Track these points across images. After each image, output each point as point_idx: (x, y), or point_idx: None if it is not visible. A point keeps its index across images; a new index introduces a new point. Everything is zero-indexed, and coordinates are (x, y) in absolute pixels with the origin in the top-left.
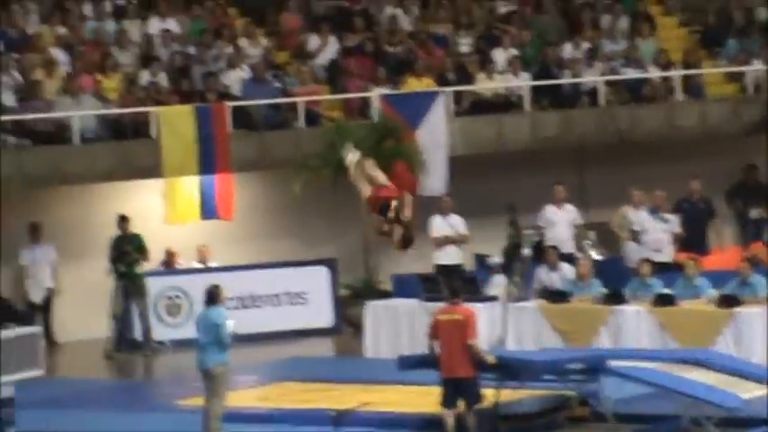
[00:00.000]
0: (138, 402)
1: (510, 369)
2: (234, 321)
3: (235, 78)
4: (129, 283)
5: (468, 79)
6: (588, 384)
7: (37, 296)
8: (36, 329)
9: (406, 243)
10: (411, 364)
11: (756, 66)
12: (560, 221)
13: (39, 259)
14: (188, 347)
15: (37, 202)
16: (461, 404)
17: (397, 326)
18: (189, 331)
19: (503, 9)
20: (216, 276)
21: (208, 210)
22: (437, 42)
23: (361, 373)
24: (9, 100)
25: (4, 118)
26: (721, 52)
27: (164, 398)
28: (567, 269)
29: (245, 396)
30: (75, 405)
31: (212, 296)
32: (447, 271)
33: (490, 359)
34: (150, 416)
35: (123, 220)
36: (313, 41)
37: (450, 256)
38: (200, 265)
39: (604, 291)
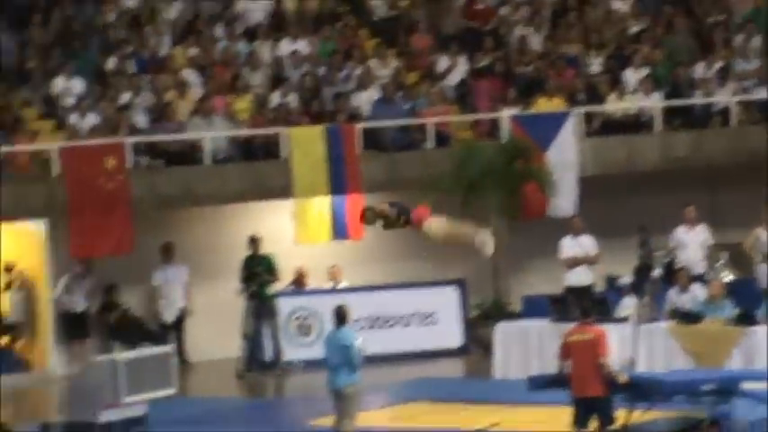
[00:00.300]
0: (268, 422)
1: (641, 389)
2: (362, 341)
3: (365, 99)
4: (259, 304)
5: (599, 99)
6: (720, 406)
7: (169, 316)
8: (168, 349)
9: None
10: (541, 385)
11: None
12: (691, 242)
13: (171, 279)
14: (318, 367)
15: (169, 222)
16: (593, 425)
17: (526, 347)
18: (319, 351)
19: (634, 28)
20: (346, 297)
21: (338, 230)
22: (567, 62)
23: (490, 394)
24: (142, 121)
25: (137, 139)
26: None
27: (294, 418)
28: (698, 290)
29: (375, 416)
30: (206, 424)
31: (340, 316)
32: (577, 292)
33: (622, 378)
34: None
35: (254, 240)
36: (443, 62)
37: (580, 276)
38: (330, 286)
39: (736, 312)
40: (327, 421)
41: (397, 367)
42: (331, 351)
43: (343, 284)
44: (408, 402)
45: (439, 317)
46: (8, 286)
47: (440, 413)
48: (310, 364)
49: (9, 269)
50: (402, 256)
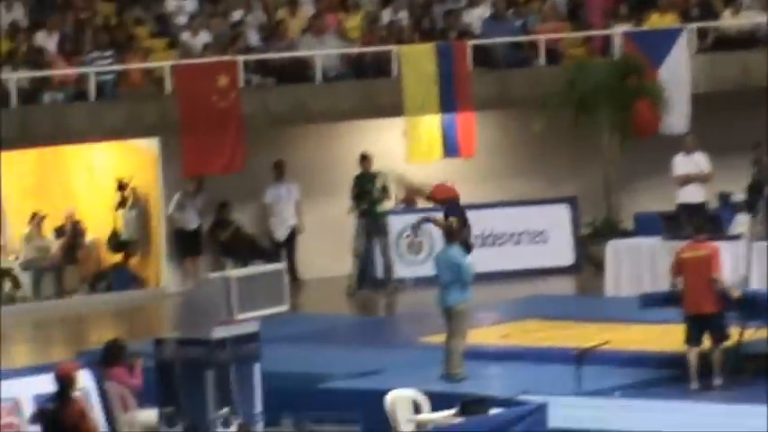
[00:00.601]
0: (379, 339)
1: (754, 307)
2: (471, 258)
3: (476, 16)
4: (371, 222)
5: (713, 15)
6: None
7: (281, 234)
8: (280, 266)
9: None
10: (653, 302)
11: None
12: None
13: (282, 197)
14: (429, 285)
15: (280, 140)
16: (706, 341)
17: (638, 264)
18: (430, 269)
19: None
20: None
21: (450, 148)
22: None
23: (601, 312)
24: (254, 39)
25: (249, 57)
26: None
27: (405, 335)
28: None
29: (486, 334)
30: (317, 341)
31: (450, 234)
32: (690, 209)
33: (736, 293)
34: (391, 352)
35: (365, 158)
36: None
37: (693, 194)
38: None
39: None
40: (437, 339)
41: (508, 285)
42: (441, 269)
43: None
44: (519, 320)
45: (550, 235)
46: (122, 204)
47: (551, 331)
48: (421, 282)
49: (123, 187)
50: (513, 173)
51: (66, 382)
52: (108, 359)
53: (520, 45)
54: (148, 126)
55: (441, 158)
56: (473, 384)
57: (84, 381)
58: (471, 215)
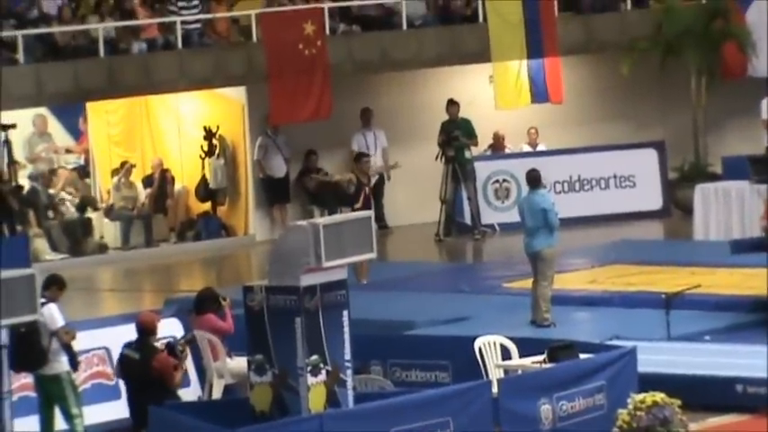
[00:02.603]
0: (466, 285)
1: None
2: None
3: None
4: (457, 168)
5: None
6: None
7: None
8: (368, 213)
9: None
10: (744, 248)
11: None
12: None
13: (370, 144)
14: (516, 231)
15: (367, 87)
16: None
17: (727, 208)
18: (517, 215)
19: None
20: (544, 160)
21: (538, 93)
22: None
23: (690, 256)
24: None
25: (336, 4)
26: None
27: (491, 280)
28: None
29: (574, 279)
30: (405, 287)
31: (534, 180)
32: None
33: None
34: (478, 298)
35: (452, 104)
36: None
37: None
38: (528, 149)
39: None
40: (522, 284)
41: (595, 230)
42: (527, 214)
43: (540, 147)
44: (607, 265)
45: (638, 179)
46: (209, 153)
47: (640, 275)
48: (507, 227)
49: (210, 136)
50: (600, 118)
51: (146, 331)
52: (199, 308)
53: None
54: (235, 75)
55: (529, 104)
56: (561, 330)
57: (173, 329)
58: (559, 160)
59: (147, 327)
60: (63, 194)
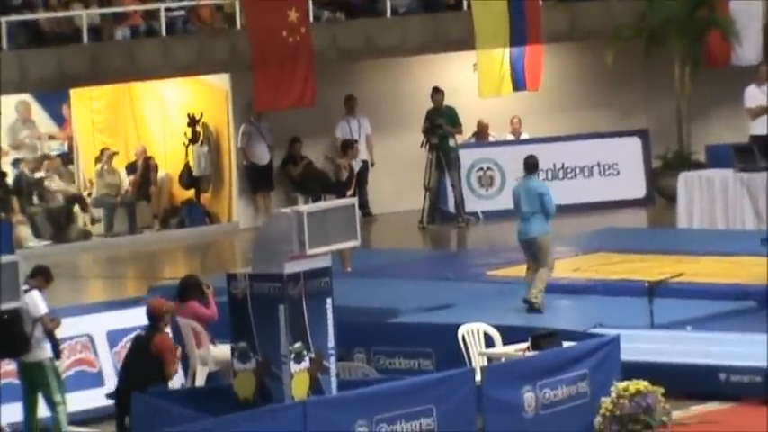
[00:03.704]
0: (449, 272)
1: None
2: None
3: None
4: (441, 156)
5: None
6: None
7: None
8: (351, 201)
9: None
10: None
11: None
12: None
13: (354, 131)
14: (500, 218)
15: (351, 74)
16: None
17: (710, 197)
18: (501, 203)
19: None
20: (528, 148)
21: (518, 81)
22: None
23: (674, 245)
24: None
25: None
26: None
27: (475, 268)
28: None
29: (558, 267)
30: (389, 275)
31: (531, 165)
32: (763, 141)
33: None
34: (462, 286)
35: (437, 92)
36: None
37: (765, 126)
38: (512, 137)
39: None
40: (507, 272)
41: (579, 218)
42: (523, 200)
43: (524, 136)
44: (591, 253)
45: (621, 167)
46: (193, 140)
47: (623, 263)
48: (491, 215)
49: (194, 123)
50: (584, 106)
51: (154, 316)
52: (183, 295)
53: None
54: (219, 62)
55: (511, 92)
56: (545, 318)
57: None
58: (542, 148)
59: (155, 312)
60: (47, 182)
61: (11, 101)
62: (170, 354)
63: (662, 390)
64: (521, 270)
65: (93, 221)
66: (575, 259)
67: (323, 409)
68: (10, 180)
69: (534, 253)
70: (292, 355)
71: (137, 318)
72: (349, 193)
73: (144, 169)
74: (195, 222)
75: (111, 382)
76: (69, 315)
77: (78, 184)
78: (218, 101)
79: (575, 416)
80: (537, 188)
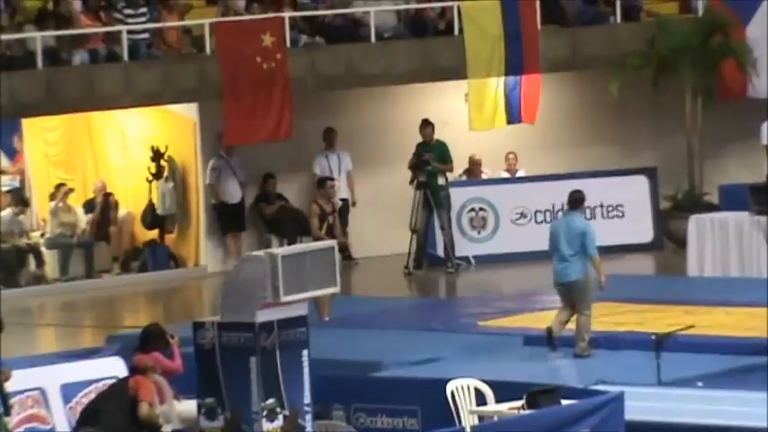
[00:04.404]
0: (438, 322)
1: None
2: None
3: None
4: (430, 195)
5: None
6: None
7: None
8: (331, 243)
9: None
10: None
11: None
12: None
13: (333, 167)
14: (493, 264)
15: (331, 105)
16: None
17: (724, 241)
18: (494, 247)
19: None
20: (524, 187)
21: (512, 113)
22: None
23: (684, 294)
24: None
25: (297, 14)
26: None
27: (466, 318)
28: None
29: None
30: (371, 325)
31: (577, 201)
32: None
33: None
34: (452, 337)
35: (426, 125)
36: None
37: None
38: (507, 175)
39: None
40: (499, 322)
41: None
42: (563, 239)
43: (520, 173)
44: (593, 302)
45: (627, 209)
46: (157, 175)
47: (628, 314)
48: (484, 260)
49: (158, 157)
50: (587, 141)
51: (138, 367)
52: (145, 346)
53: (594, 0)
54: (186, 90)
55: (505, 125)
56: (542, 373)
57: (116, 369)
58: (540, 187)
59: (139, 364)
60: None
61: None
62: (147, 392)
63: None
64: (515, 321)
65: (44, 264)
66: None
67: None
68: None
69: (572, 297)
70: (264, 413)
71: (93, 370)
72: (320, 234)
73: (103, 207)
74: (159, 266)
75: None
76: (20, 367)
77: (30, 222)
78: (185, 133)
79: None
80: (580, 227)
